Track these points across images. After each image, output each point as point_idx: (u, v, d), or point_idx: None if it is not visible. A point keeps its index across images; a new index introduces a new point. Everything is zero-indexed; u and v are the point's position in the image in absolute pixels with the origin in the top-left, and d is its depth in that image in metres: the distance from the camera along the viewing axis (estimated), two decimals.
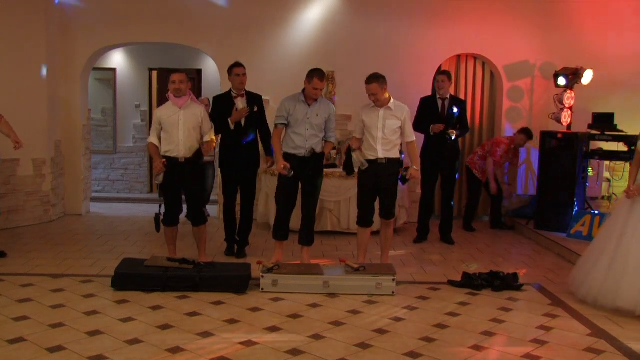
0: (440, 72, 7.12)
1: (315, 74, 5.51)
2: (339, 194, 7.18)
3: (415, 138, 5.66)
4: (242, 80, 6.00)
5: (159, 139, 5.62)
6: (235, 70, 6.00)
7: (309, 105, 5.60)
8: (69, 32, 8.18)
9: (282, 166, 5.52)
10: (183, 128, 5.54)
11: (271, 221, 7.33)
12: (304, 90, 5.64)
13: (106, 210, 8.95)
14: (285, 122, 5.64)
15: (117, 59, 10.42)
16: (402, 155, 7.52)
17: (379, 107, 5.49)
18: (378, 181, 5.54)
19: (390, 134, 5.49)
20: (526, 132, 7.88)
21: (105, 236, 7.12)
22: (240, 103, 6.01)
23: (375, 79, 5.40)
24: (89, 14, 8.18)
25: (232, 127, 5.96)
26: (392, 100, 5.52)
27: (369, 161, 5.54)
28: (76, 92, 8.28)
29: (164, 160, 5.54)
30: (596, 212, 7.04)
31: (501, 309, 4.74)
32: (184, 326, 4.19)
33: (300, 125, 5.57)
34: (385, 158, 5.50)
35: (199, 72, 10.46)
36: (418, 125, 7.03)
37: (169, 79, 5.62)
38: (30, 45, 7.56)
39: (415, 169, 5.57)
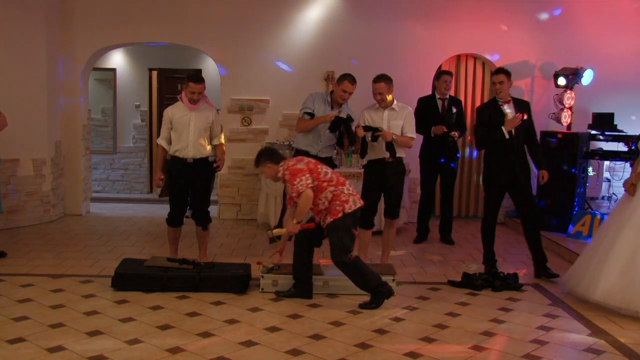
0: (445, 72, 7.07)
1: (347, 77, 5.52)
2: None
3: (415, 136, 5.62)
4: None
5: (169, 141, 5.63)
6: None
7: (332, 108, 5.58)
8: (69, 32, 8.17)
9: (331, 115, 5.40)
10: (194, 129, 5.54)
11: (271, 221, 7.33)
12: (332, 92, 5.63)
13: (106, 210, 8.94)
14: (312, 112, 5.56)
15: (117, 59, 10.41)
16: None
17: (383, 108, 5.49)
18: (385, 180, 5.54)
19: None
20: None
21: (105, 236, 7.12)
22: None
23: (384, 78, 5.43)
24: (89, 14, 8.17)
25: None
26: (395, 101, 5.53)
27: (376, 161, 5.53)
28: (76, 92, 8.27)
29: (163, 177, 5.64)
30: (596, 212, 7.04)
31: (501, 309, 4.74)
32: (184, 326, 4.19)
33: (319, 125, 5.55)
34: (392, 158, 5.50)
35: (198, 72, 10.43)
36: (418, 126, 7.01)
37: (188, 85, 5.50)
38: (31, 45, 7.55)
39: (388, 132, 5.36)
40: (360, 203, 4.71)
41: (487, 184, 5.75)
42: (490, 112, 5.61)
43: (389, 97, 5.46)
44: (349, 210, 4.57)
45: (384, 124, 5.45)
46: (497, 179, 5.62)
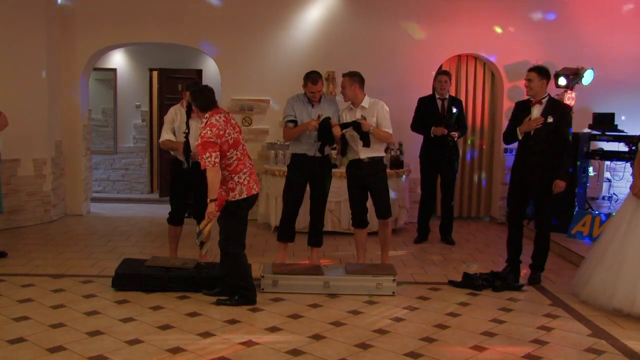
0: (441, 72, 7.11)
1: (308, 79, 5.49)
2: (339, 194, 7.16)
3: (392, 131, 5.51)
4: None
5: (173, 134, 5.63)
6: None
7: (313, 106, 5.58)
8: (69, 32, 8.18)
9: (313, 124, 5.36)
10: (194, 134, 5.55)
11: (271, 221, 7.34)
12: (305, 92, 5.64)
13: (107, 210, 8.95)
14: (295, 119, 5.56)
15: (118, 59, 10.41)
16: (402, 156, 7.59)
17: (354, 106, 5.51)
18: (365, 181, 5.54)
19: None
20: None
21: (106, 236, 7.12)
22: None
23: (348, 75, 5.47)
24: (89, 14, 8.18)
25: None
26: (366, 98, 5.51)
27: (355, 161, 5.54)
28: (77, 92, 8.28)
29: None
30: (596, 212, 7.04)
31: (502, 309, 4.74)
32: (184, 326, 4.19)
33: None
34: (367, 157, 5.48)
35: (199, 72, 10.45)
36: (417, 126, 7.03)
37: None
38: (31, 45, 7.56)
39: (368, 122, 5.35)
40: (248, 193, 4.63)
41: (510, 181, 5.67)
42: (520, 109, 5.50)
43: (359, 95, 5.45)
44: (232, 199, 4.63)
45: None
46: (513, 177, 5.58)
